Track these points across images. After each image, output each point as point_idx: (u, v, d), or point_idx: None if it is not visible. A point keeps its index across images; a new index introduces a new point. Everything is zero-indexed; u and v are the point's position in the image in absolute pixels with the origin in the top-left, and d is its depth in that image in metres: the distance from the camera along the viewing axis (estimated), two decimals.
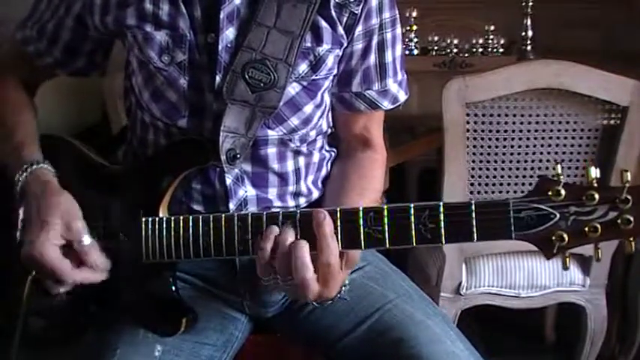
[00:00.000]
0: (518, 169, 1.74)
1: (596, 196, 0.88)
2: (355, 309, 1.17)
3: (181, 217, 1.04)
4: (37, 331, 1.14)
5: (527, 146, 1.72)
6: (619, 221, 0.88)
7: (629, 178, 0.88)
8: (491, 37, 2.66)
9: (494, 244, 1.79)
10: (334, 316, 1.18)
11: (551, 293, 1.88)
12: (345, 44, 1.15)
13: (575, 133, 1.71)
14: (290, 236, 0.98)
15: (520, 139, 1.72)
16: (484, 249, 1.82)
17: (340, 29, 1.13)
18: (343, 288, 1.05)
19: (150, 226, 1.06)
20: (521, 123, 1.70)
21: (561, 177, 0.91)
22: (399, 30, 1.20)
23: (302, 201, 1.23)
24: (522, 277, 1.85)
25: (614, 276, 1.95)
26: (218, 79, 1.10)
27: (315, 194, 1.25)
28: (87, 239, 1.05)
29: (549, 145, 1.72)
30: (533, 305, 1.92)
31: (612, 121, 1.70)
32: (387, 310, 1.17)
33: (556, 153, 1.72)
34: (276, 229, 0.99)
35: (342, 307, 1.17)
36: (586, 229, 0.89)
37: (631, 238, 0.89)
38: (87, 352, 1.11)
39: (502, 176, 1.75)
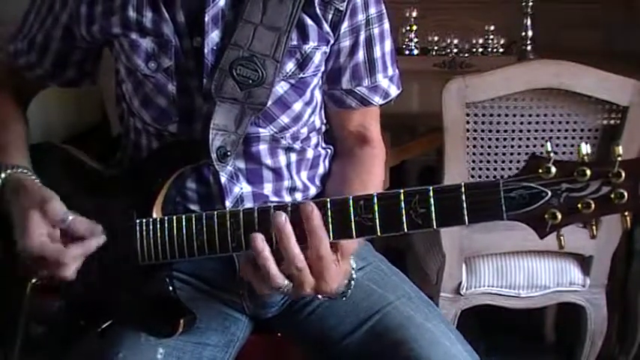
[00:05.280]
0: (518, 169, 1.73)
1: (588, 171, 0.86)
2: (355, 310, 1.17)
3: (174, 217, 1.04)
4: (37, 337, 1.14)
5: (527, 146, 1.71)
6: (612, 196, 0.85)
7: (620, 152, 0.85)
8: (491, 37, 2.66)
9: (495, 244, 1.79)
10: (334, 318, 1.18)
11: (551, 293, 1.88)
12: (332, 41, 1.15)
13: (575, 133, 1.71)
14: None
15: (520, 139, 1.71)
16: (484, 249, 1.81)
17: (326, 26, 1.13)
18: (352, 282, 1.04)
19: (144, 228, 1.06)
20: (521, 123, 1.70)
21: (551, 154, 0.88)
22: (387, 25, 1.20)
23: (298, 196, 1.23)
24: (522, 277, 1.85)
25: (614, 276, 1.95)
26: (206, 80, 1.10)
27: (313, 190, 1.24)
28: (67, 215, 1.04)
29: None
30: (533, 305, 1.92)
31: (612, 121, 1.69)
32: (387, 312, 1.16)
33: (556, 153, 1.70)
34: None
35: (342, 308, 1.17)
36: (579, 205, 0.87)
37: (626, 213, 0.86)
38: (89, 356, 1.11)
39: (502, 176, 1.74)
